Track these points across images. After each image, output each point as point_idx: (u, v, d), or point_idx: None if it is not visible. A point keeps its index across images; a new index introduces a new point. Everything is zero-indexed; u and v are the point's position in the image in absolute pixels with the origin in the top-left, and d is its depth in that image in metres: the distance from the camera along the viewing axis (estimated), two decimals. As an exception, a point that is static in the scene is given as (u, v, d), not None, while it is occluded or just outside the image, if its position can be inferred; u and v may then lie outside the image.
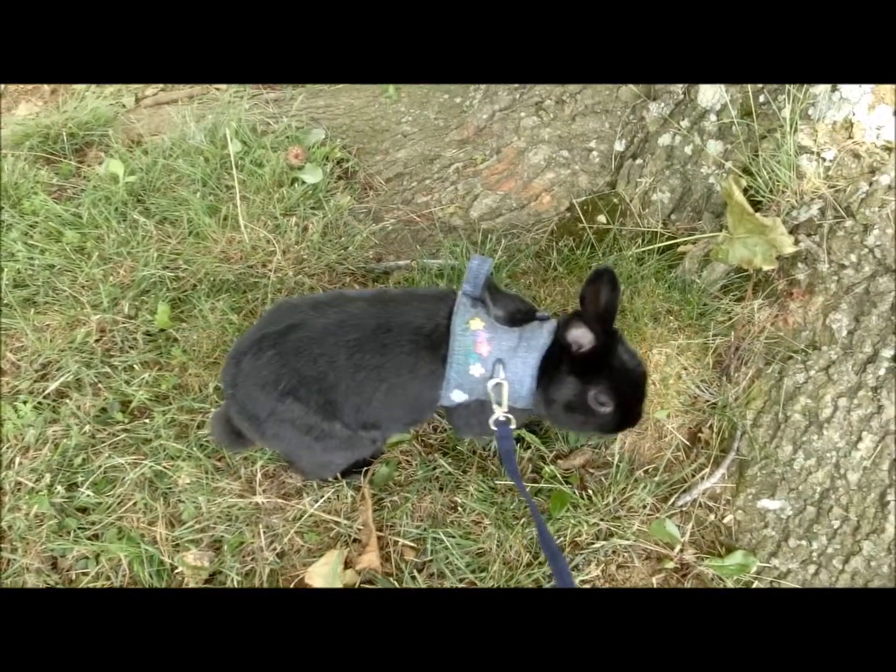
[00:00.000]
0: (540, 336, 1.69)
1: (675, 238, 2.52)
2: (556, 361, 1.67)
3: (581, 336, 1.61)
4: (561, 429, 2.05)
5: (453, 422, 1.90)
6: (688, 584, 1.84)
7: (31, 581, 1.86)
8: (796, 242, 2.20)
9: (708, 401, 2.13)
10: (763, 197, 2.34)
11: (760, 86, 2.44)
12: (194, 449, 2.08)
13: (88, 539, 1.93)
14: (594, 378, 1.64)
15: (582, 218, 2.72)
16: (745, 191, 2.30)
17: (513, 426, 1.68)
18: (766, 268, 2.18)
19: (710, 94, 2.54)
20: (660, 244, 2.49)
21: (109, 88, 3.56)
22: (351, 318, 1.68)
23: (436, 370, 1.68)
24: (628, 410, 1.68)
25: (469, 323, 1.66)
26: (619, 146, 2.82)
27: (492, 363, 1.65)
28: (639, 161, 2.72)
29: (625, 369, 1.64)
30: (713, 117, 2.54)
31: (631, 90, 2.79)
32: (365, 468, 2.03)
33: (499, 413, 1.66)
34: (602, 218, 2.71)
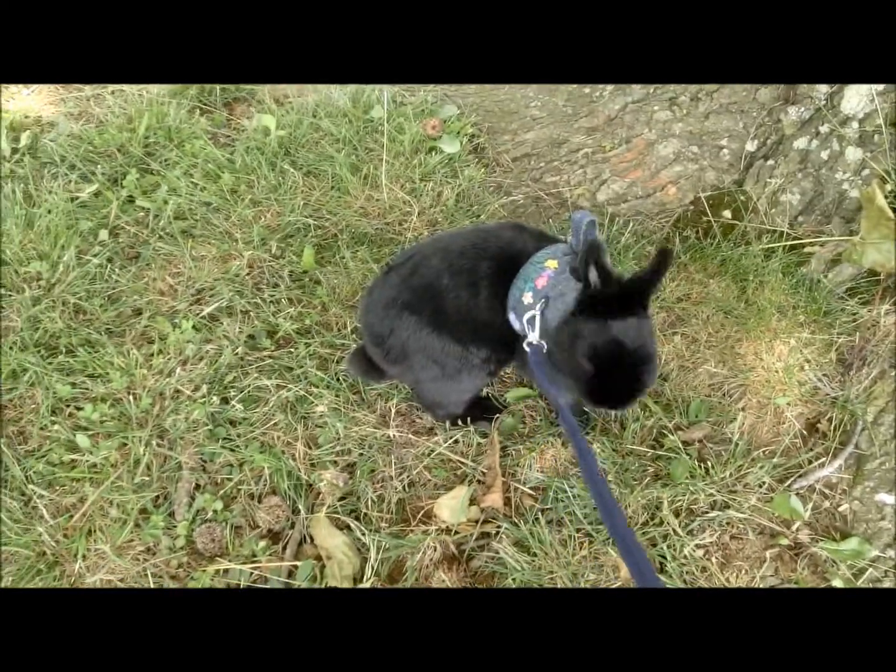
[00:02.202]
0: (573, 290, 1.67)
1: (802, 239, 2.52)
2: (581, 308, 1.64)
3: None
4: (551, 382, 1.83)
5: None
6: (801, 564, 1.85)
7: (186, 476, 1.97)
8: (932, 251, 2.18)
9: (828, 394, 2.13)
10: (900, 206, 2.32)
11: (907, 96, 2.41)
12: (334, 380, 2.17)
13: (235, 448, 2.03)
14: (592, 333, 1.57)
15: (707, 211, 2.73)
16: (885, 197, 2.28)
17: (545, 349, 1.68)
18: (900, 272, 2.17)
19: (855, 102, 2.53)
20: (786, 242, 2.49)
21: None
22: (455, 239, 1.86)
23: (498, 291, 1.79)
24: (605, 384, 1.60)
25: (546, 261, 1.74)
26: (750, 146, 2.81)
27: (541, 297, 1.70)
28: (770, 162, 2.72)
29: (621, 341, 1.55)
30: (855, 125, 2.52)
31: (770, 93, 2.79)
32: (494, 416, 2.09)
33: (531, 338, 1.69)
34: (727, 213, 2.72)
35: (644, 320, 1.58)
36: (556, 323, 1.68)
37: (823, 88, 2.63)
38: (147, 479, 1.96)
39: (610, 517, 1.25)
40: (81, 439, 2.01)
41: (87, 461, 1.98)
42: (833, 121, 2.58)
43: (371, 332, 1.91)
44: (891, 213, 2.18)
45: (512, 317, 1.80)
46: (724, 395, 2.16)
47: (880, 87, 2.48)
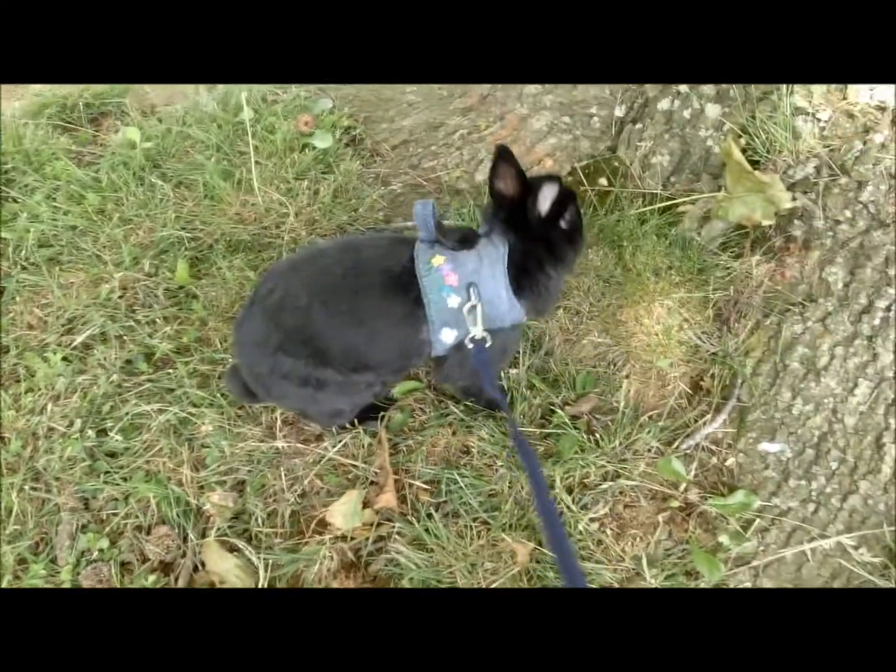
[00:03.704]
0: (495, 247, 1.68)
1: (675, 199, 2.50)
2: (522, 262, 1.70)
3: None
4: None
5: (445, 371, 1.85)
6: (693, 524, 1.84)
7: (66, 518, 1.85)
8: (793, 200, 2.18)
9: (709, 351, 2.12)
10: (760, 157, 2.32)
11: (758, 50, 2.41)
12: (216, 397, 2.07)
13: (118, 481, 1.92)
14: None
15: (584, 181, 2.69)
16: (743, 150, 2.28)
17: (488, 344, 1.65)
18: (765, 223, 2.17)
19: (709, 60, 2.51)
20: (660, 205, 2.47)
21: (123, 60, 3.49)
22: (323, 269, 1.67)
23: (411, 312, 1.66)
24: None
25: (431, 261, 1.65)
26: (619, 112, 2.79)
27: (465, 289, 1.64)
28: (638, 126, 2.70)
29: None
30: (711, 82, 2.52)
31: (631, 57, 2.76)
32: (381, 414, 2.02)
33: (475, 332, 1.64)
34: (603, 181, 2.69)
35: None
36: (504, 295, 1.66)
37: (680, 48, 2.60)
38: (20, 527, 1.83)
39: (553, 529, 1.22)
40: (-55, 496, 1.86)
41: (-45, 518, 1.84)
42: (692, 80, 2.56)
43: (248, 370, 1.77)
44: (749, 167, 2.18)
45: (445, 332, 1.68)
46: (608, 364, 2.13)
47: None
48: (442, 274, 1.64)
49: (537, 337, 2.20)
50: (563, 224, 1.72)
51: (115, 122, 3.10)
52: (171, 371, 2.13)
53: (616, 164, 2.72)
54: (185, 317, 2.28)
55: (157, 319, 2.25)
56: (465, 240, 1.72)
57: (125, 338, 2.21)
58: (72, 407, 2.04)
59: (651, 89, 2.68)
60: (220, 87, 3.13)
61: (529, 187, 1.65)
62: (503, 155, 1.61)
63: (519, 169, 1.64)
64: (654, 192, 2.57)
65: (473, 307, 1.64)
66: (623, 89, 2.79)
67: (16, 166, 2.73)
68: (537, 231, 1.69)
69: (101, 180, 2.68)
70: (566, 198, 1.68)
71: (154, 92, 3.28)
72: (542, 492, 1.29)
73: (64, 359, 2.13)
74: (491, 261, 1.66)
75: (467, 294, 1.64)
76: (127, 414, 2.03)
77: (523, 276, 1.71)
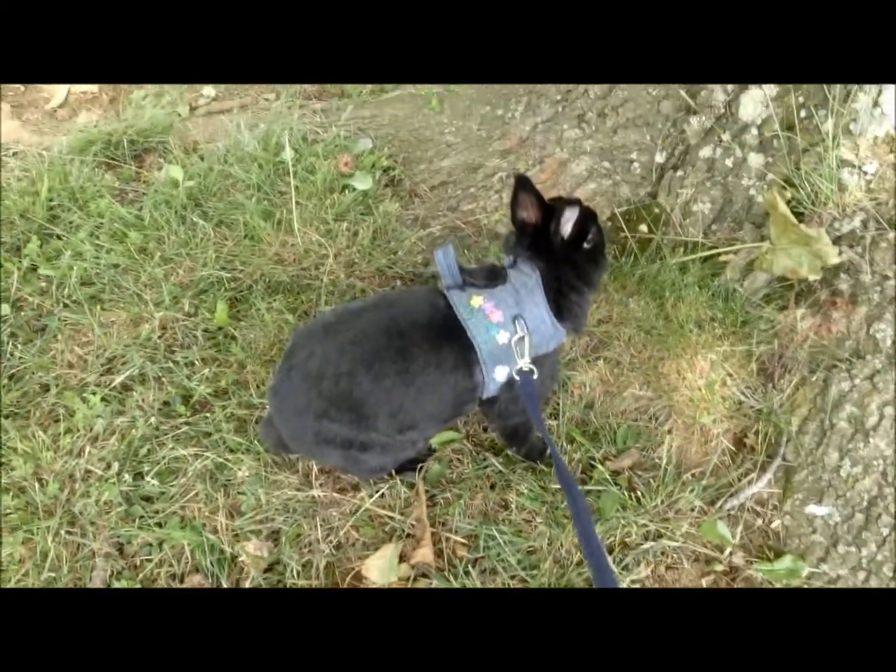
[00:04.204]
0: (528, 275, 1.69)
1: (716, 248, 2.47)
2: (557, 286, 1.72)
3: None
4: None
5: (498, 410, 1.82)
6: (737, 587, 1.79)
7: (101, 564, 1.83)
8: (839, 253, 2.14)
9: (753, 407, 2.07)
10: (805, 209, 2.29)
11: (802, 100, 2.39)
12: (253, 443, 2.05)
13: (153, 527, 1.90)
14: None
15: (624, 227, 2.67)
16: (787, 202, 2.24)
17: (535, 377, 1.65)
18: (811, 278, 2.13)
19: (752, 108, 2.49)
20: (702, 254, 2.44)
21: (166, 98, 3.55)
22: (362, 332, 1.63)
23: (462, 358, 1.64)
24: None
25: (471, 303, 1.65)
26: (659, 158, 2.77)
27: (511, 322, 1.64)
28: (679, 173, 2.67)
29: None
30: (754, 131, 2.49)
31: (672, 104, 2.74)
32: (419, 465, 1.99)
33: (521, 364, 1.64)
34: (644, 227, 2.66)
35: None
36: (548, 318, 1.68)
37: (721, 97, 2.59)
38: (54, 574, 1.82)
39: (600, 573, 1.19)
40: (-16, 536, 1.86)
41: (-9, 560, 1.83)
42: (734, 128, 2.54)
43: (289, 435, 1.75)
44: (794, 219, 2.14)
45: (499, 371, 1.67)
46: (650, 418, 2.09)
47: (773, 91, 2.45)
48: (486, 313, 1.63)
49: (577, 388, 2.16)
50: (586, 245, 1.74)
51: (157, 159, 3.13)
52: (208, 415, 2.12)
53: (656, 210, 2.69)
54: (223, 359, 2.28)
55: (196, 361, 2.25)
56: (494, 276, 1.74)
57: (164, 379, 2.21)
58: (109, 449, 2.03)
59: (693, 136, 2.65)
60: (262, 126, 3.16)
61: (551, 213, 1.66)
62: (522, 184, 1.65)
63: (539, 196, 1.67)
64: (696, 240, 2.54)
65: (521, 339, 1.64)
66: (663, 136, 2.77)
67: (61, 203, 2.77)
68: (562, 254, 1.70)
69: (144, 218, 2.70)
70: (588, 219, 1.71)
71: (196, 129, 3.32)
72: (591, 540, 1.26)
73: (103, 399, 2.13)
74: (528, 290, 1.67)
75: (514, 327, 1.64)
76: (164, 458, 2.03)
77: (560, 299, 1.72)
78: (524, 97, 3.19)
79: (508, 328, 1.64)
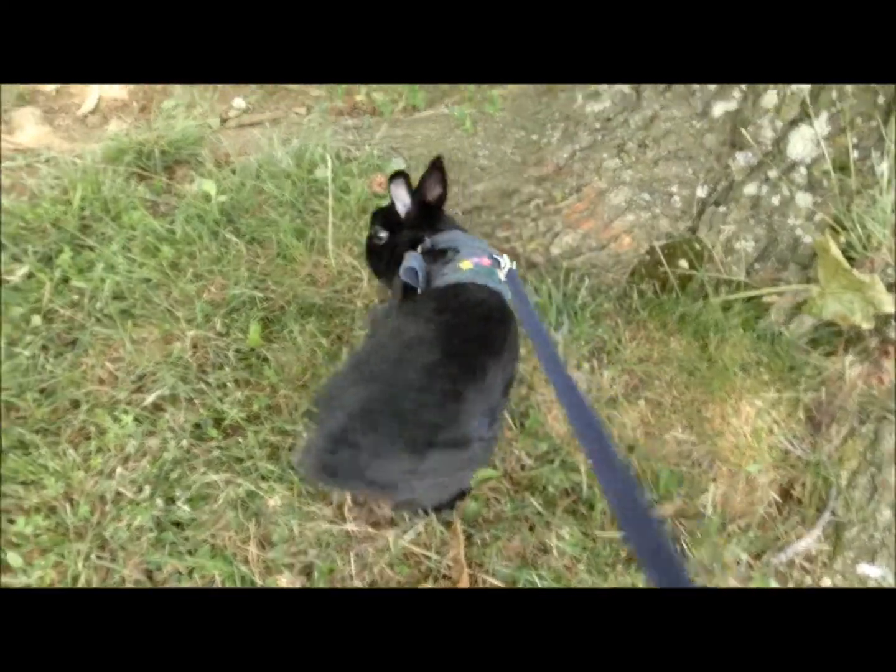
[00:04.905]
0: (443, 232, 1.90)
1: (759, 288, 2.44)
2: None
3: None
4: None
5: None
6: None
7: (130, 595, 1.79)
8: (895, 303, 2.10)
9: (800, 457, 2.03)
10: (857, 253, 2.25)
11: (856, 140, 2.36)
12: (286, 471, 2.02)
13: (184, 554, 1.87)
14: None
15: (663, 261, 2.64)
16: (838, 245, 2.21)
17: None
18: (864, 326, 2.09)
19: (801, 147, 2.47)
20: (745, 293, 2.40)
21: (197, 109, 3.54)
22: (427, 343, 1.50)
23: (509, 309, 1.68)
24: None
25: (461, 266, 1.69)
26: (701, 192, 2.74)
27: (489, 257, 1.75)
28: (722, 208, 2.65)
29: None
30: (803, 169, 2.46)
31: (716, 137, 2.72)
32: (455, 502, 1.95)
33: (504, 262, 1.74)
34: (684, 263, 2.63)
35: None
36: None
37: (769, 133, 2.56)
38: (85, 602, 1.78)
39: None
40: (13, 558, 1.82)
41: (21, 583, 1.80)
42: (781, 166, 2.51)
43: (370, 482, 1.50)
44: (846, 264, 2.11)
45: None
46: (693, 463, 2.05)
47: (825, 130, 2.43)
48: (478, 263, 1.69)
49: (618, 428, 2.13)
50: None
51: (189, 171, 3.12)
52: (240, 440, 2.09)
53: (697, 246, 2.66)
54: (256, 381, 2.25)
55: (228, 383, 2.22)
56: (435, 248, 1.83)
57: (195, 400, 2.17)
58: (141, 472, 2.00)
59: (738, 172, 2.63)
60: (295, 142, 3.14)
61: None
62: (439, 165, 1.90)
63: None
64: (738, 279, 2.51)
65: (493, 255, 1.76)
66: (706, 170, 2.74)
67: (94, 213, 2.75)
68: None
69: (176, 232, 2.67)
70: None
71: (227, 141, 3.30)
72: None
73: (135, 419, 2.10)
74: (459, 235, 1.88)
75: (494, 260, 1.73)
76: (195, 482, 1.99)
77: None
78: (560, 123, 3.17)
79: (493, 260, 1.73)
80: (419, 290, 1.71)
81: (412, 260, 1.71)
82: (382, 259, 2.02)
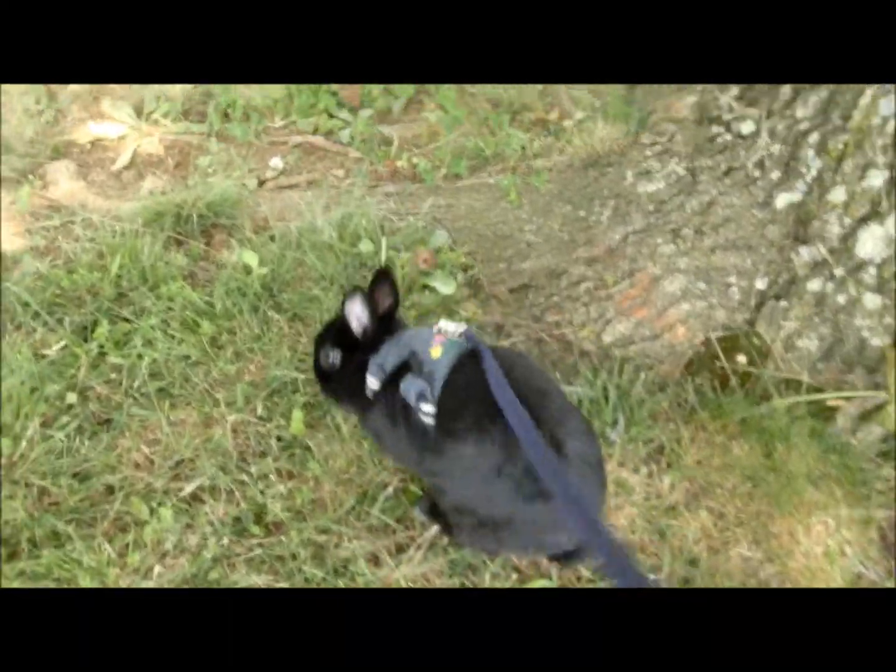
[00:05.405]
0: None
1: (824, 390, 2.43)
2: None
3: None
4: None
5: None
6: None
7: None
8: (972, 418, 2.09)
9: (875, 582, 2.00)
10: (930, 362, 2.24)
11: (928, 244, 2.37)
12: (331, 575, 1.99)
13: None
14: None
15: (720, 356, 2.64)
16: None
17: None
18: (942, 445, 2.08)
19: (871, 246, 2.48)
20: (811, 397, 2.39)
21: (237, 172, 3.59)
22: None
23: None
24: None
25: (433, 354, 1.82)
26: (760, 284, 2.75)
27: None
28: (783, 303, 2.65)
29: None
30: (872, 269, 2.47)
31: (779, 229, 2.74)
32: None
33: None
34: (742, 358, 2.63)
35: None
36: None
37: (836, 230, 2.58)
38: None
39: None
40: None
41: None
42: (849, 264, 2.52)
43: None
44: (922, 377, 2.10)
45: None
46: (760, 584, 2.02)
47: (896, 230, 2.44)
48: (443, 342, 1.85)
49: (679, 539, 2.10)
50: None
51: (226, 237, 3.15)
52: (283, 538, 2.07)
53: (755, 340, 2.66)
54: (299, 472, 2.24)
55: (270, 474, 2.21)
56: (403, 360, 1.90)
57: (236, 492, 2.17)
58: (179, 571, 1.98)
59: (801, 267, 2.64)
60: (337, 212, 3.17)
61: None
62: (387, 275, 1.97)
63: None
64: (801, 378, 2.50)
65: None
66: (767, 261, 2.75)
67: (131, 282, 2.77)
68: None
69: (216, 306, 2.69)
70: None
71: (265, 204, 3.34)
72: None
73: (173, 512, 2.09)
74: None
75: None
76: (236, 583, 1.97)
77: None
78: (610, 200, 3.20)
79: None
80: (433, 406, 1.77)
81: (410, 386, 1.80)
82: (341, 382, 2.05)
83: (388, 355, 1.90)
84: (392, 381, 1.87)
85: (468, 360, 1.77)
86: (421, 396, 1.78)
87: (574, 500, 1.32)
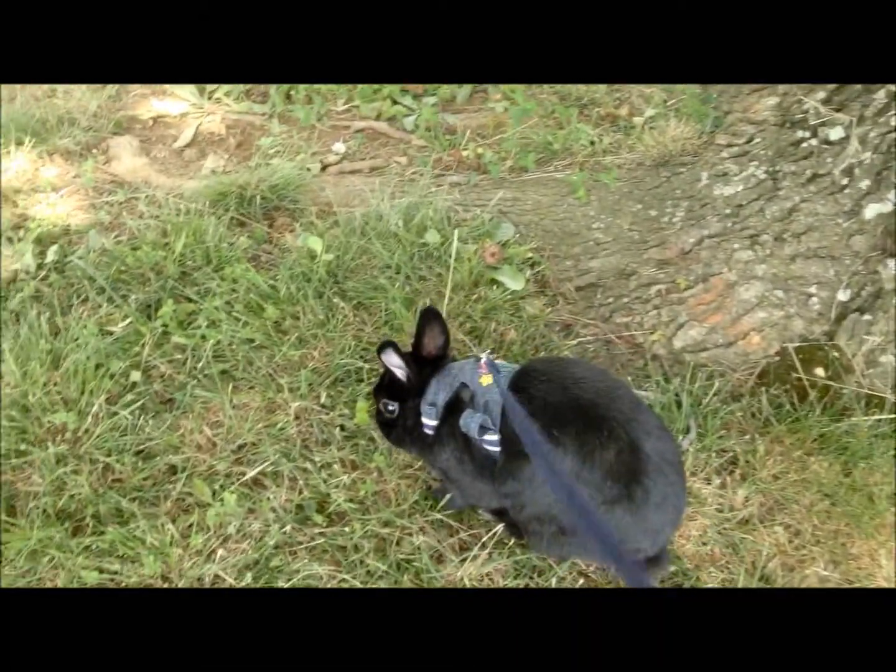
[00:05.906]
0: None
1: (907, 409, 2.40)
2: None
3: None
4: None
5: None
6: None
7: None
8: None
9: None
10: None
11: None
12: (392, 570, 2.02)
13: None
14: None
15: (797, 367, 2.61)
16: None
17: None
18: None
19: (964, 263, 2.44)
20: (891, 416, 2.36)
21: (299, 154, 3.63)
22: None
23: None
24: None
25: (482, 382, 1.91)
26: (842, 296, 2.71)
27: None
28: (867, 316, 2.62)
29: None
30: (965, 287, 2.43)
31: (865, 241, 2.70)
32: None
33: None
34: (820, 371, 2.60)
35: None
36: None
37: (928, 243, 2.54)
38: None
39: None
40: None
41: None
42: (940, 281, 2.48)
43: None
44: None
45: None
46: (838, 606, 2.00)
47: None
48: (488, 367, 1.93)
49: (752, 554, 2.09)
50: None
51: (289, 220, 3.20)
52: (346, 528, 2.11)
53: (835, 353, 2.63)
54: (362, 463, 2.27)
55: (334, 463, 2.25)
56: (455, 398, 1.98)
57: (299, 480, 2.20)
58: (241, 556, 2.02)
59: (888, 280, 2.60)
60: (401, 198, 3.19)
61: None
62: (436, 315, 1.99)
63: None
64: (884, 395, 2.47)
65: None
66: (850, 273, 2.72)
67: (195, 262, 2.83)
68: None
69: (280, 290, 2.73)
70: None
71: (328, 189, 3.38)
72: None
73: (236, 497, 2.13)
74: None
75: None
76: (297, 572, 2.01)
77: None
78: (683, 202, 3.18)
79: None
80: (497, 434, 1.85)
81: (470, 421, 1.87)
82: (402, 428, 2.08)
83: (438, 392, 1.97)
84: (448, 417, 1.94)
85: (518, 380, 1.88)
86: (483, 428, 1.85)
87: (602, 534, 1.38)
